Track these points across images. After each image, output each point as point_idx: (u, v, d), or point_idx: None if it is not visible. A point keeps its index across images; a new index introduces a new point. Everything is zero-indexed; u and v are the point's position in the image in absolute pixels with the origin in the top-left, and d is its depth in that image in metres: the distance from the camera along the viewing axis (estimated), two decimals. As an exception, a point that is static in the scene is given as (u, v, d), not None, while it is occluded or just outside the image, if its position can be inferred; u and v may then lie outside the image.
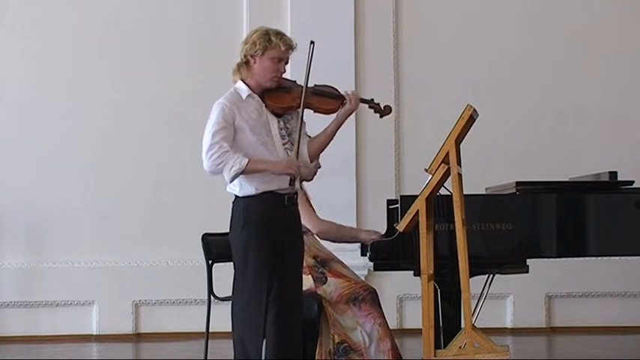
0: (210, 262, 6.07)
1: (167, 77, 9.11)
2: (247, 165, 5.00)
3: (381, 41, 9.19)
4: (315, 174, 6.03)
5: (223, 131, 5.06)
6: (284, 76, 5.27)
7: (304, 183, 6.06)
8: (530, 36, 9.35)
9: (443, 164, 5.56)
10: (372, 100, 5.50)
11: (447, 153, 5.56)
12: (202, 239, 6.11)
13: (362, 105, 5.44)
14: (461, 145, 5.67)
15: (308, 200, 6.06)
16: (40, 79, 9.07)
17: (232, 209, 5.19)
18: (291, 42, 5.19)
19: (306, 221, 5.87)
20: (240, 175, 5.05)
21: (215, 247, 6.08)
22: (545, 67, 9.33)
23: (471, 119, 5.62)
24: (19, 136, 9.01)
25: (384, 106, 5.52)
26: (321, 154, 5.93)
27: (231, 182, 5.06)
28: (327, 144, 5.36)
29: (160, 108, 9.10)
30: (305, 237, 5.85)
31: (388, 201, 6.47)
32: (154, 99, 9.10)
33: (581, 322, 9.16)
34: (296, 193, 5.25)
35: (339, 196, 8.66)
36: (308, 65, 5.17)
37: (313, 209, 6.08)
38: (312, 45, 5.17)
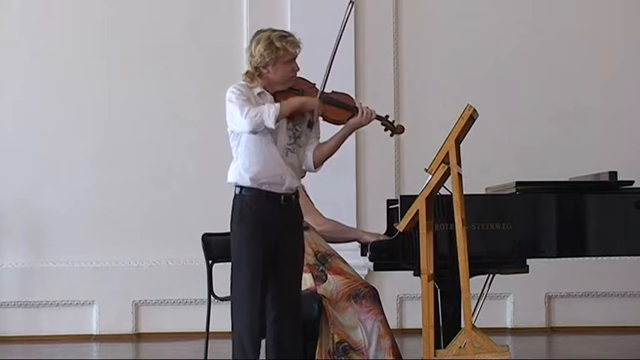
0: (210, 262, 6.07)
1: (167, 78, 9.11)
2: (281, 106, 5.06)
3: (381, 41, 9.19)
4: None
5: (247, 101, 5.10)
6: (300, 75, 5.28)
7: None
8: (530, 36, 9.35)
9: (443, 164, 5.56)
10: (387, 117, 5.47)
11: (447, 153, 5.56)
12: (202, 239, 6.11)
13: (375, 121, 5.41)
14: (461, 145, 5.67)
15: (307, 196, 6.06)
16: (40, 78, 9.07)
17: (232, 205, 5.22)
18: (296, 40, 5.20)
19: (308, 218, 5.88)
20: (241, 166, 5.12)
21: (215, 247, 6.08)
22: (545, 67, 9.33)
23: (471, 119, 5.62)
24: (19, 136, 9.02)
25: (397, 125, 5.49)
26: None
27: (275, 126, 5.05)
28: (334, 152, 5.37)
29: (160, 108, 9.10)
30: (306, 232, 5.87)
31: (388, 201, 6.47)
32: (153, 99, 9.10)
33: (581, 322, 9.16)
34: (295, 193, 5.25)
35: (339, 196, 8.66)
36: (343, 25, 5.18)
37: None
38: (350, 4, 5.18)
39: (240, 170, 5.17)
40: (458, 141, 5.61)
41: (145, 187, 9.05)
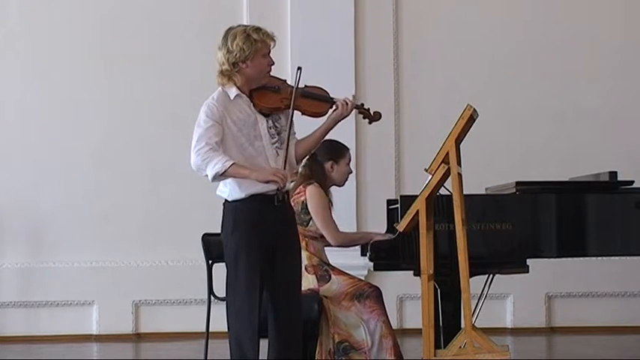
0: (210, 262, 6.07)
1: (167, 78, 9.11)
2: (230, 167, 4.96)
3: (381, 41, 9.18)
4: (346, 179, 6.07)
5: (212, 129, 5.04)
6: (273, 74, 5.25)
7: (331, 189, 6.08)
8: (530, 36, 9.35)
9: (443, 164, 5.56)
10: (362, 105, 5.37)
11: (447, 153, 5.56)
12: (202, 239, 6.11)
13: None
14: (461, 145, 5.67)
15: (330, 208, 6.03)
16: (39, 79, 9.07)
17: (223, 212, 5.19)
18: (270, 32, 5.18)
19: (325, 232, 5.89)
20: (224, 179, 5.04)
21: (215, 247, 6.07)
22: (545, 67, 9.34)
23: (471, 119, 5.62)
24: (19, 136, 9.02)
25: (374, 112, 5.38)
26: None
27: (212, 181, 5.02)
28: (315, 147, 5.35)
29: (159, 108, 9.10)
30: (315, 242, 5.89)
31: (388, 201, 6.47)
32: (153, 99, 9.10)
33: (581, 322, 9.16)
34: (287, 192, 5.24)
35: (339, 196, 8.64)
36: (295, 87, 5.11)
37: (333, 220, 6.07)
38: (299, 71, 5.11)
39: (233, 191, 5.10)
40: (458, 141, 5.61)
41: (144, 187, 9.05)
